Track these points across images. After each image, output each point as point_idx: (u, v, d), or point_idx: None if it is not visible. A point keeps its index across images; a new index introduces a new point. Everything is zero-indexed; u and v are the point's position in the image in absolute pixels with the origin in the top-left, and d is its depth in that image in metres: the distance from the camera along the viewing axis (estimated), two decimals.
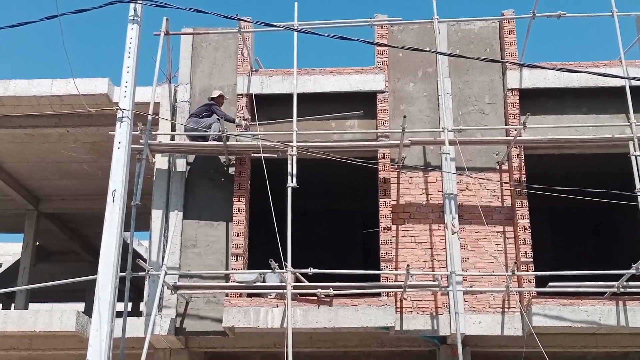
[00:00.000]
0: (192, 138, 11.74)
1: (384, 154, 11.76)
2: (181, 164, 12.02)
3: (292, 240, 10.50)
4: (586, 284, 10.64)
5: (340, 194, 15.22)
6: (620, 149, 11.31)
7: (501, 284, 11.00)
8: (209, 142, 11.55)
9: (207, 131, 11.49)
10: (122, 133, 8.34)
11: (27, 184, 16.75)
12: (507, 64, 11.95)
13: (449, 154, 11.36)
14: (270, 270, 10.48)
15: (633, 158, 10.84)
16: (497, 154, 11.85)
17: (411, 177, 11.80)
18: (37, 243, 18.68)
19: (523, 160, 11.61)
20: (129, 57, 8.59)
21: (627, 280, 10.34)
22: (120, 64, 8.61)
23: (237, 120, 11.74)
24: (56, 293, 23.52)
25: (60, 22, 7.90)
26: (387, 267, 11.19)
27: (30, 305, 18.75)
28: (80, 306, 20.93)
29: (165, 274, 10.74)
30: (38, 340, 11.84)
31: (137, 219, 10.51)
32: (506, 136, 11.70)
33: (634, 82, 11.26)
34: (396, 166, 11.75)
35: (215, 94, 11.88)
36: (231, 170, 11.83)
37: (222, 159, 11.77)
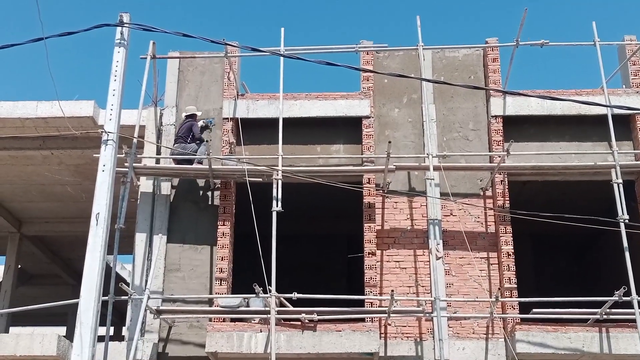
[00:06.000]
0: (178, 161, 11.74)
1: (369, 179, 11.81)
2: (166, 187, 12.00)
3: (277, 264, 10.47)
4: (569, 310, 10.70)
5: (325, 219, 15.21)
6: (602, 176, 11.42)
7: (485, 310, 11.01)
8: (194, 166, 11.56)
9: (194, 155, 11.50)
10: (106, 156, 8.34)
11: (9, 206, 16.60)
12: (490, 91, 12.08)
13: (433, 179, 11.43)
14: (254, 295, 10.44)
15: (615, 185, 10.94)
16: (481, 180, 11.93)
17: (396, 202, 11.85)
18: (19, 266, 18.48)
19: (507, 187, 11.69)
20: (115, 80, 8.62)
21: (610, 307, 10.39)
22: (106, 86, 8.65)
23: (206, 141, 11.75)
24: (37, 317, 23.26)
25: (46, 45, 7.93)
26: (371, 292, 11.17)
27: (11, 329, 18.52)
28: (62, 330, 20.68)
29: (148, 298, 10.67)
30: None
31: (120, 242, 10.48)
32: (490, 162, 11.78)
33: (616, 111, 11.39)
34: (381, 191, 11.79)
35: (189, 112, 11.90)
36: (216, 193, 11.82)
37: (202, 182, 11.75)
